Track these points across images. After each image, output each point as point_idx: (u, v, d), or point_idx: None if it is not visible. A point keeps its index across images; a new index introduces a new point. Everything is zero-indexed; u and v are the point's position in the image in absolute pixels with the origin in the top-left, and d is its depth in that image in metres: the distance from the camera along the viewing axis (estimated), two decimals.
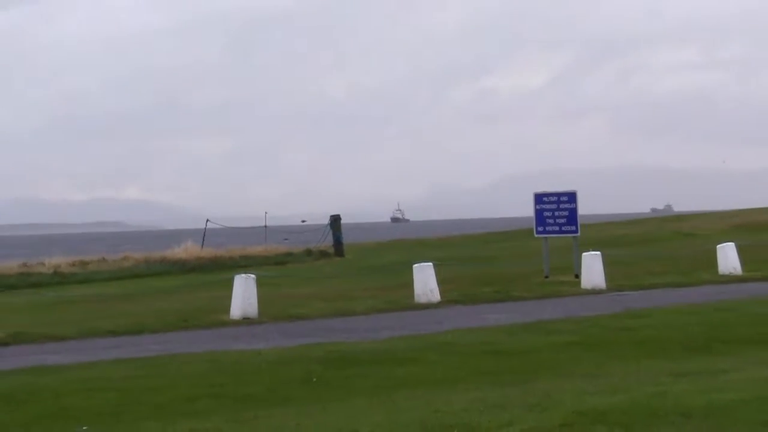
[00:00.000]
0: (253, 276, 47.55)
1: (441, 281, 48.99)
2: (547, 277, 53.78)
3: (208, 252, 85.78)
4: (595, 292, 48.90)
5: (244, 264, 67.67)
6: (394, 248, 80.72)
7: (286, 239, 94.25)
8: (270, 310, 45.33)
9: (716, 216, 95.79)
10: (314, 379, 28.10)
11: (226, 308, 45.49)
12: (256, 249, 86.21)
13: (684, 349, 29.84)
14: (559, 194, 55.72)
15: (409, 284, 48.95)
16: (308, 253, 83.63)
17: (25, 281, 73.47)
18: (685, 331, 33.57)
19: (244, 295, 45.39)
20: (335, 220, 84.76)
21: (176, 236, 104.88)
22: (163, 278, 73.57)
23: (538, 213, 55.48)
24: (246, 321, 43.89)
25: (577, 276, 51.67)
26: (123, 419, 23.47)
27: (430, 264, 49.63)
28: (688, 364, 26.90)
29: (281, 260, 79.26)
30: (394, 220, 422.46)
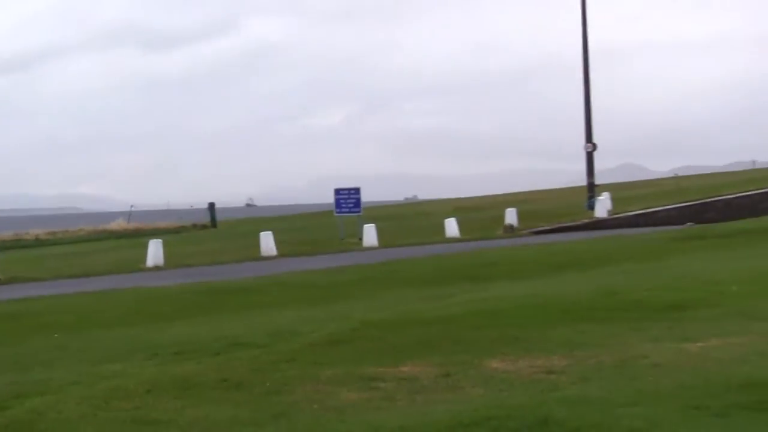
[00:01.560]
0: (160, 240, 47.55)
1: (277, 242, 49.15)
2: (342, 239, 53.88)
3: (132, 225, 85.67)
4: (371, 248, 49.13)
5: (155, 233, 66.97)
6: (248, 222, 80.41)
7: (180, 219, 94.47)
8: (171, 261, 45.31)
9: (444, 202, 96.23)
10: (199, 304, 28.16)
11: (144, 260, 45.41)
12: (163, 223, 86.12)
13: (425, 283, 30.04)
14: (349, 189, 56.48)
15: (258, 244, 49.07)
16: (194, 226, 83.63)
17: (18, 244, 74.11)
18: (425, 271, 33.84)
19: (155, 252, 45.62)
20: (211, 205, 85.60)
21: (112, 216, 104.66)
22: (104, 242, 73.10)
23: (337, 200, 56.17)
24: (156, 268, 43.92)
25: (360, 239, 51.82)
26: (81, 330, 23.38)
27: (270, 232, 49.80)
28: (428, 292, 27.07)
29: (178, 231, 78.88)
30: (248, 205, 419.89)
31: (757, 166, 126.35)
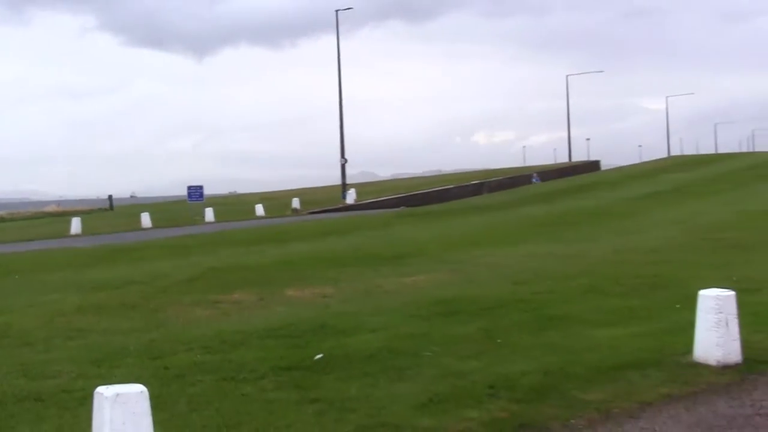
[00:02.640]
0: (79, 218, 46.12)
1: (152, 219, 47.47)
2: (192, 218, 52.28)
3: (61, 209, 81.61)
4: (211, 223, 47.85)
5: (75, 213, 64.19)
6: (133, 207, 77.80)
7: (90, 205, 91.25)
8: (86, 231, 43.48)
9: (254, 194, 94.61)
10: (105, 257, 26.93)
11: (69, 230, 43.65)
12: (80, 207, 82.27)
13: (245, 244, 29.48)
14: (197, 186, 54.90)
15: (140, 220, 47.32)
16: (100, 209, 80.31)
17: None
18: (245, 237, 33.32)
19: (76, 225, 43.99)
20: (110, 196, 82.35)
21: (48, 203, 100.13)
22: (43, 219, 69.38)
23: (189, 193, 54.37)
24: (77, 235, 42.02)
25: (203, 217, 50.40)
26: (31, 273, 22.25)
27: (147, 213, 48.55)
28: (247, 249, 26.74)
29: (90, 212, 74.94)
30: (132, 197, 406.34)
31: (442, 173, 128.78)
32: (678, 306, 12.17)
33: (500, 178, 78.37)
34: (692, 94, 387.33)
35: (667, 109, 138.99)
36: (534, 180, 77.95)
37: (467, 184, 73.41)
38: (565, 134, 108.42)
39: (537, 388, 8.14)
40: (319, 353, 9.92)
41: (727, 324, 8.97)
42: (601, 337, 10.51)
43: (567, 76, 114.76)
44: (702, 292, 9.25)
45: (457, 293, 14.63)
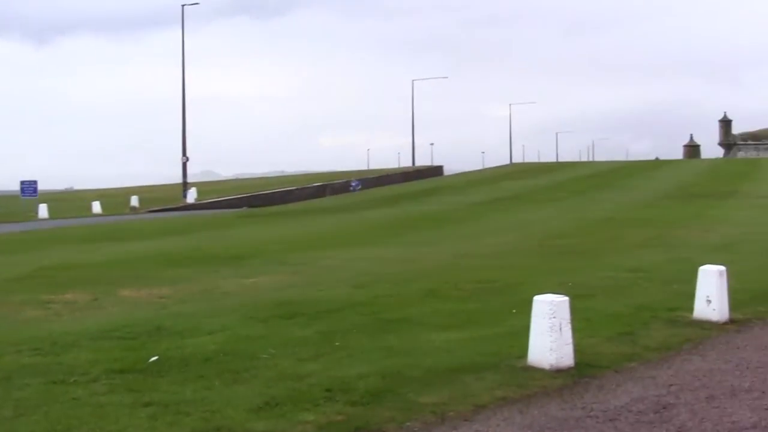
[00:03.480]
0: None
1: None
2: (27, 215, 49.82)
3: None
4: (44, 219, 45.85)
5: None
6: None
7: None
8: None
9: (92, 191, 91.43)
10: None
11: None
12: None
13: (81, 241, 28.42)
14: (30, 181, 51.97)
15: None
16: None
17: None
18: (80, 234, 32.21)
19: None
20: None
21: None
22: None
23: (22, 188, 51.88)
24: None
25: (37, 213, 48.18)
26: None
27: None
28: (82, 247, 25.91)
29: None
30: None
31: (286, 174, 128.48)
32: (514, 311, 12.50)
33: (344, 180, 78.83)
34: (534, 102, 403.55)
35: (510, 116, 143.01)
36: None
37: (310, 185, 73.54)
38: (410, 138, 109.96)
39: (374, 391, 8.21)
40: (154, 355, 9.74)
41: (560, 329, 9.29)
42: (438, 340, 10.69)
43: (413, 80, 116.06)
44: (537, 298, 9.54)
45: (297, 295, 14.63)
